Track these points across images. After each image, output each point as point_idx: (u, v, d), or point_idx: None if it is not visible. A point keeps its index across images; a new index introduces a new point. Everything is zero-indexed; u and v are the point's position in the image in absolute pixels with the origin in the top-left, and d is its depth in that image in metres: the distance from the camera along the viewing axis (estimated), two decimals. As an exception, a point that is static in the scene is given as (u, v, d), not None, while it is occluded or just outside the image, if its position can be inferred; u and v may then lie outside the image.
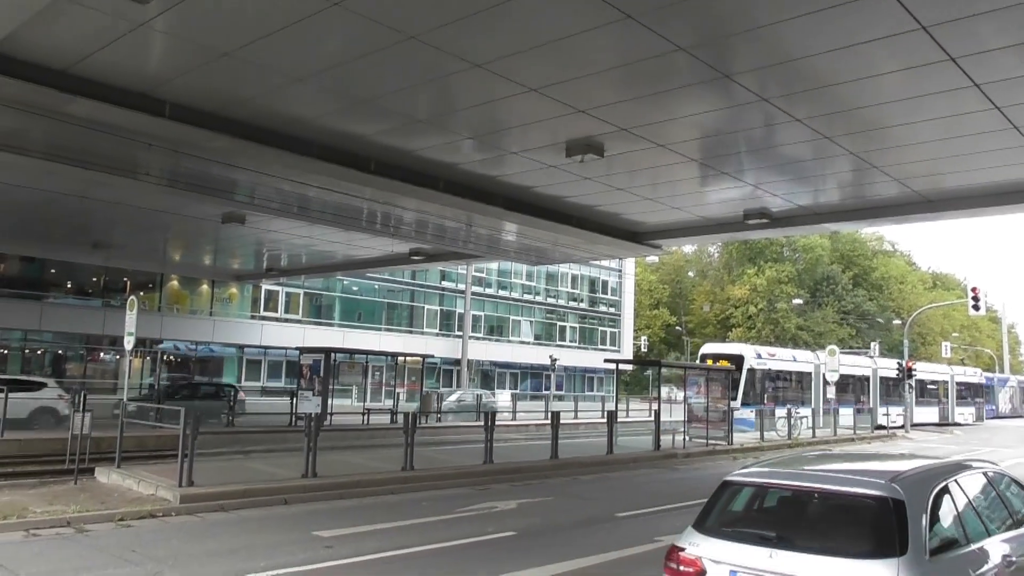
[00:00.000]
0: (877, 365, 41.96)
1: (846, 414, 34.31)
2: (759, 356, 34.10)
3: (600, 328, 64.97)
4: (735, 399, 30.04)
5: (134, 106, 12.29)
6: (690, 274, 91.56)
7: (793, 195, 17.79)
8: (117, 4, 9.12)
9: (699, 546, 5.50)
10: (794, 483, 5.81)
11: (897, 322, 74.31)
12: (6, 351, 35.77)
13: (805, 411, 32.62)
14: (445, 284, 52.38)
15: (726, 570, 5.25)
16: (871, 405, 39.30)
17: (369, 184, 16.38)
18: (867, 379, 40.89)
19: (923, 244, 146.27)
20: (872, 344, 59.10)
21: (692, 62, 10.52)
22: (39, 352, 37.13)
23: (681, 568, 5.48)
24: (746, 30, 9.61)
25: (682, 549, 5.55)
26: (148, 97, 12.43)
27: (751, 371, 32.76)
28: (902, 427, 38.37)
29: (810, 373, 36.09)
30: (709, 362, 32.10)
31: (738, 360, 32.58)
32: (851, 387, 38.80)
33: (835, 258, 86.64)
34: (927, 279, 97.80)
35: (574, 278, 62.45)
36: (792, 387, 35.06)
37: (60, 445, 16.37)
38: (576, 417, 34.94)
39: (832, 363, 31.87)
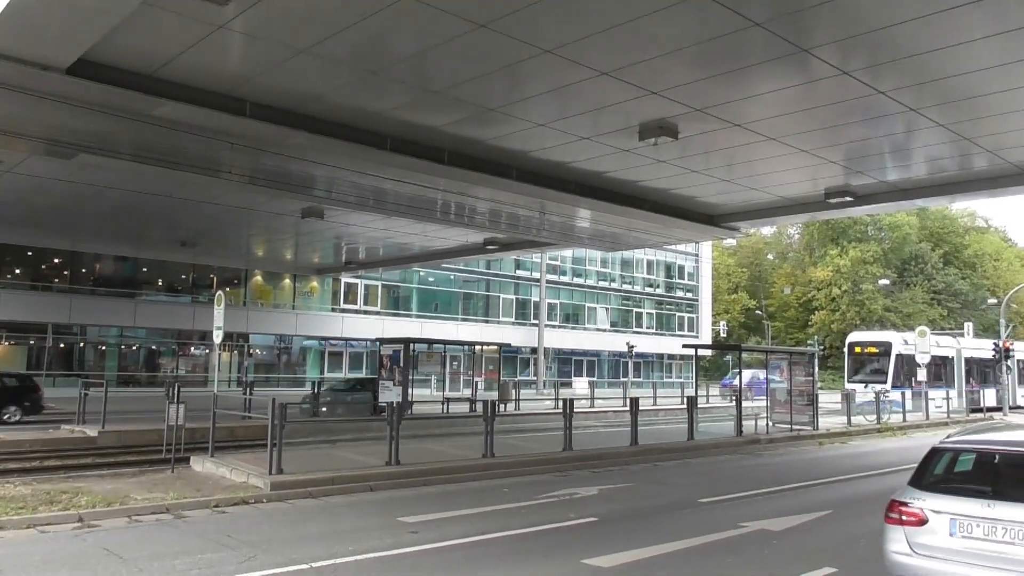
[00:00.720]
0: (1014, 348, 42.05)
1: (990, 394, 37.94)
2: (905, 343, 35.89)
3: (677, 314, 64.13)
4: (885, 382, 33.41)
5: (217, 106, 12.73)
6: (769, 256, 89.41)
7: (878, 171, 17.18)
8: (197, 7, 9.44)
9: (921, 500, 6.56)
10: (1003, 448, 6.84)
11: (992, 301, 71.01)
12: (104, 347, 37.53)
13: (951, 392, 34.90)
14: (520, 273, 52.50)
15: (947, 519, 6.32)
16: (1009, 387, 39.75)
17: (443, 175, 16.56)
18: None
19: (1019, 218, 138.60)
20: (965, 324, 56.59)
21: (768, 37, 10.26)
22: (134, 348, 38.81)
23: (904, 518, 6.56)
24: (824, 1, 9.30)
25: (904, 504, 6.62)
26: (229, 97, 12.85)
27: (899, 356, 34.97)
28: (999, 409, 36.90)
29: (952, 357, 37.83)
30: (857, 350, 36.26)
31: (886, 347, 35.51)
32: (987, 371, 40.12)
33: (924, 236, 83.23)
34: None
35: (649, 264, 61.76)
36: (935, 370, 36.38)
37: (156, 436, 17.10)
38: (655, 403, 34.59)
39: (923, 344, 30.75)
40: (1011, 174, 16.71)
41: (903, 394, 30.37)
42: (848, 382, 36.02)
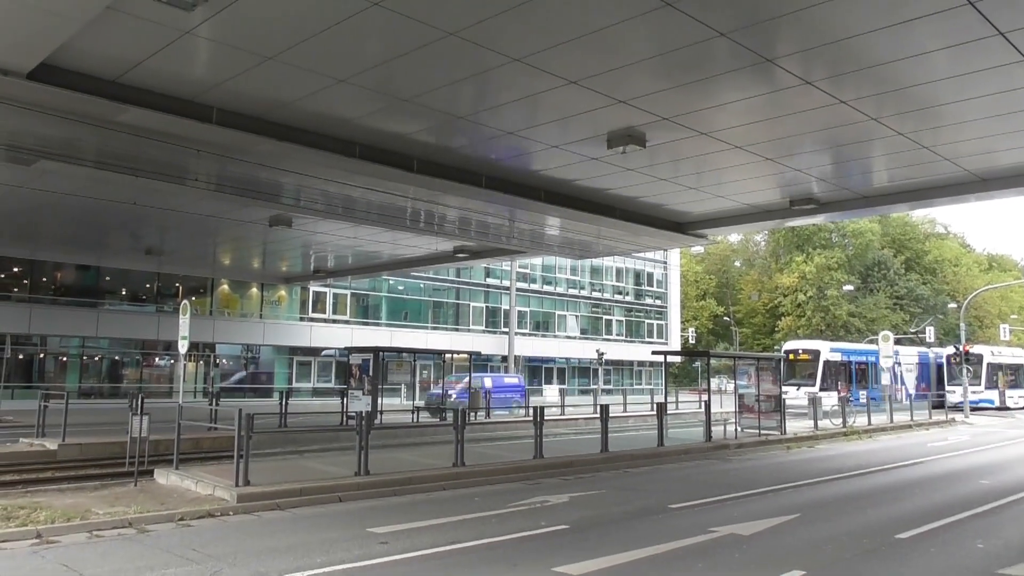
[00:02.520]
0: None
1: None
2: (993, 353, 45.68)
3: (647, 321, 64.52)
4: (979, 386, 41.87)
5: (182, 113, 12.57)
6: (736, 264, 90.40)
7: (840, 179, 17.46)
8: (162, 12, 9.33)
9: None
10: None
11: (952, 305, 72.49)
12: (65, 358, 36.81)
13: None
14: (490, 281, 52.49)
15: None
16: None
17: (412, 183, 16.51)
18: None
19: (977, 225, 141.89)
20: (927, 329, 57.68)
21: (733, 47, 10.38)
22: (97, 358, 38.12)
23: None
24: (787, 12, 9.46)
25: None
26: (195, 103, 12.70)
27: (990, 364, 43.35)
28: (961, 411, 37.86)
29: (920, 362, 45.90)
30: (954, 360, 42.54)
31: (979, 357, 43.71)
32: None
33: (886, 242, 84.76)
34: (982, 261, 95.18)
35: (619, 271, 62.10)
36: (1014, 375, 46.38)
37: (119, 449, 16.79)
38: (625, 410, 34.73)
39: (886, 349, 31.57)
40: (969, 182, 17.08)
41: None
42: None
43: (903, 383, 42.89)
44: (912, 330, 63.92)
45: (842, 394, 34.60)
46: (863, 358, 42.14)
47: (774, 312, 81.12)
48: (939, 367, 46.03)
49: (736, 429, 23.17)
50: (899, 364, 42.85)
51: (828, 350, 40.55)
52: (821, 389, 36.74)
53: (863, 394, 36.22)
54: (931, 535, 10.53)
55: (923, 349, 49.28)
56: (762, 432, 23.39)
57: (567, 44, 10.35)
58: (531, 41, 10.37)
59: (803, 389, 36.72)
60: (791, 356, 41.22)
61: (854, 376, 35.96)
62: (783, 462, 19.38)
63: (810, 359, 40.25)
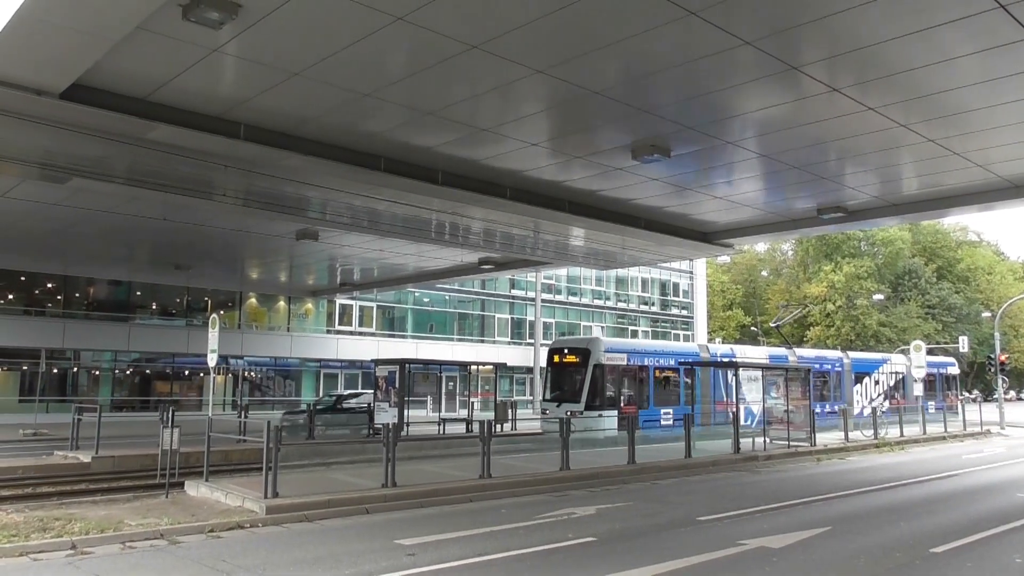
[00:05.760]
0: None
1: None
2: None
3: (673, 331, 64.10)
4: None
5: (211, 129, 12.76)
6: (764, 273, 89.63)
7: (869, 187, 17.28)
8: (191, 31, 9.49)
9: None
10: None
11: (987, 315, 71.26)
12: (98, 372, 37.32)
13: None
14: (515, 292, 52.48)
15: None
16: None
17: (437, 195, 16.60)
18: None
19: (1011, 232, 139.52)
20: (960, 339, 56.78)
21: (758, 56, 10.34)
22: (128, 372, 38.61)
23: None
24: (813, 20, 9.41)
25: None
26: (223, 120, 12.88)
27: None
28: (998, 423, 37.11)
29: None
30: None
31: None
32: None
33: (917, 250, 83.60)
34: (1017, 269, 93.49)
35: (644, 281, 61.81)
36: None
37: (151, 461, 16.98)
38: (652, 422, 34.48)
39: (918, 359, 30.98)
40: (1002, 188, 16.83)
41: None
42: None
43: (740, 396, 25.45)
44: (944, 341, 62.89)
45: (624, 414, 24.89)
46: (663, 362, 28.78)
47: (802, 322, 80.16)
48: (827, 375, 35.09)
49: (765, 440, 22.93)
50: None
51: (602, 350, 27.03)
52: (589, 407, 25.74)
53: (667, 414, 25.08)
54: (967, 549, 10.33)
55: (778, 351, 35.59)
56: (791, 444, 23.11)
57: (590, 54, 10.37)
58: (555, 52, 10.40)
59: (565, 406, 25.78)
60: (555, 359, 28.04)
61: (652, 388, 23.44)
62: (813, 474, 19.13)
63: (578, 363, 26.92)
